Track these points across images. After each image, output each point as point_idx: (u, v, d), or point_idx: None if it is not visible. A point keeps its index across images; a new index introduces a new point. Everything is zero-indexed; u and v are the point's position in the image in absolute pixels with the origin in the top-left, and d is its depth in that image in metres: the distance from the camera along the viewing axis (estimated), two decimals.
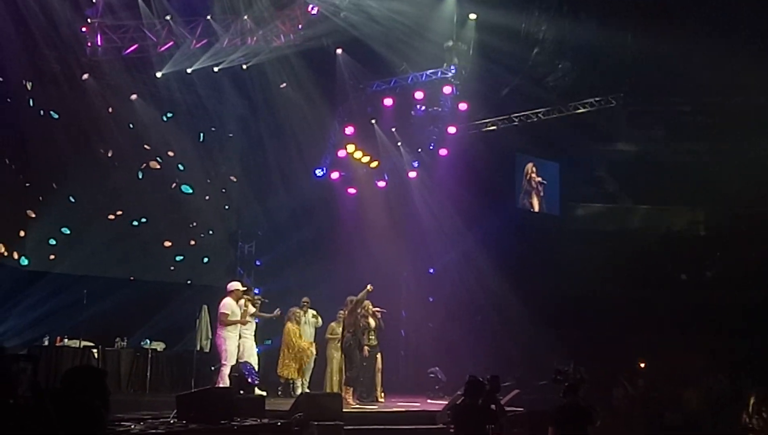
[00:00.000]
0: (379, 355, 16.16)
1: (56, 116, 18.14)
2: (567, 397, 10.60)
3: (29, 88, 17.73)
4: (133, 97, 18.76)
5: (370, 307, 16.13)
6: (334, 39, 18.03)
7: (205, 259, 20.20)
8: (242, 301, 15.01)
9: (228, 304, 14.64)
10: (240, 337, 14.94)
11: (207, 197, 20.32)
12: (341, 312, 15.78)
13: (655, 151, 18.97)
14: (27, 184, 17.90)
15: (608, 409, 16.52)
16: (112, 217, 18.77)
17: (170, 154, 19.63)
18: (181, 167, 19.85)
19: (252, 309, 15.32)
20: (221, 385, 13.90)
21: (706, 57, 16.10)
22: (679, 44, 15.91)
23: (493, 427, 10.17)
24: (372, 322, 16.08)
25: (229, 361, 14.33)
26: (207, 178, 20.34)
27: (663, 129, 18.74)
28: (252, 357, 15.09)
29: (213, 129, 20.21)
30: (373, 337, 16.01)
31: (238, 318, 14.66)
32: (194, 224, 20.01)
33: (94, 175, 18.60)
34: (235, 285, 15.17)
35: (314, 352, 16.58)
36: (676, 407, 16.63)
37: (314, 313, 16.72)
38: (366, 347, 15.74)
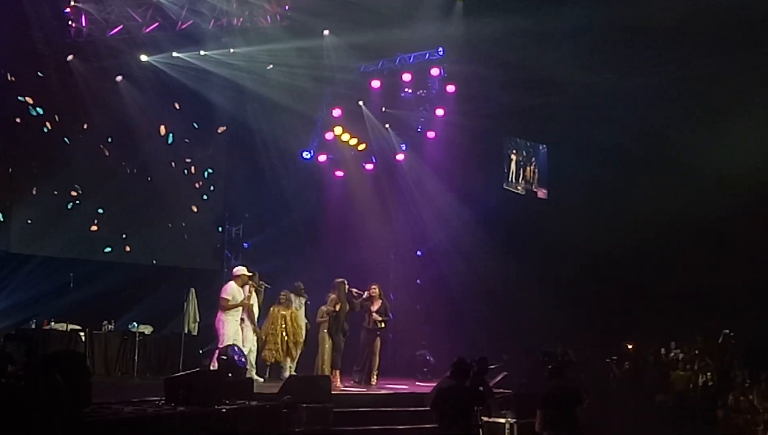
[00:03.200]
0: (378, 339, 16.18)
1: (41, 99, 17.99)
2: (552, 380, 10.62)
3: (12, 71, 17.58)
4: (119, 78, 18.61)
5: (376, 290, 16.25)
6: (322, 20, 17.90)
7: (192, 242, 20.10)
8: (247, 287, 15.03)
9: (230, 289, 14.66)
10: (243, 321, 15.02)
11: (193, 179, 20.23)
12: (332, 295, 15.78)
13: (645, 132, 18.96)
14: (13, 167, 17.76)
15: (600, 391, 16.55)
16: (99, 199, 18.66)
17: (157, 137, 19.48)
18: (167, 150, 19.72)
19: (254, 299, 15.33)
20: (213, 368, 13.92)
21: None
22: None
23: (481, 408, 10.19)
24: (375, 305, 16.16)
25: (225, 345, 14.34)
26: (194, 161, 20.22)
27: (657, 110, 18.73)
28: (251, 343, 15.17)
29: (199, 111, 20.04)
30: (379, 319, 16.07)
31: (238, 303, 14.68)
32: (181, 207, 19.89)
33: (80, 158, 18.48)
34: (240, 270, 15.17)
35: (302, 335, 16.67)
36: (664, 389, 16.67)
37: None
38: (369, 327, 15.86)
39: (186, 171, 20.06)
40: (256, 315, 15.53)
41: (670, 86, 18.22)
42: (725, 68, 17.35)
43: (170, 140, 19.80)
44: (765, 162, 17.32)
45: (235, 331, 14.62)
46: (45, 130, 18.01)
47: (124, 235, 18.93)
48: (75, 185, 18.34)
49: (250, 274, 15.28)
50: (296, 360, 16.54)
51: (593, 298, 19.22)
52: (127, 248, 18.87)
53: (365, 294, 16.11)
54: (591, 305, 19.10)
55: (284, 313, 16.35)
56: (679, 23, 16.34)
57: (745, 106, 17.69)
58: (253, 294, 15.39)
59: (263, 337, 16.12)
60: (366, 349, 16.01)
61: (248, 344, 15.28)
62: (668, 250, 18.84)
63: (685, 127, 18.27)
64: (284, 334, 16.26)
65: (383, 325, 16.15)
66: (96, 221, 18.52)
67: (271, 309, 16.32)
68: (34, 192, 17.81)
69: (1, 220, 17.49)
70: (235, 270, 15.27)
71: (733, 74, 17.38)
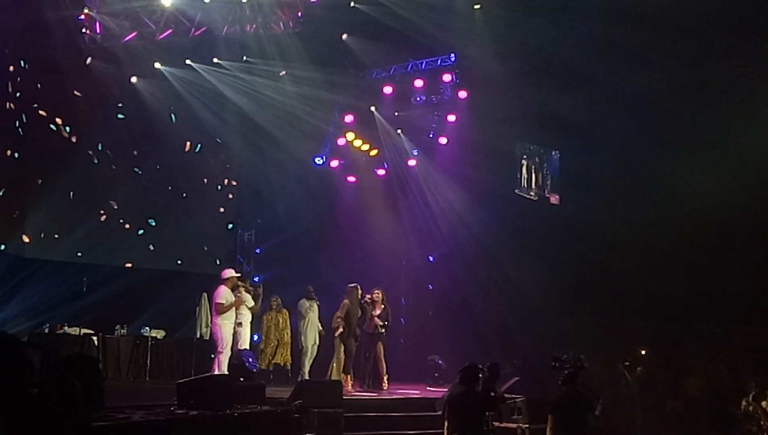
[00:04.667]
0: (380, 344, 16.18)
1: (53, 105, 18.11)
2: (565, 385, 10.61)
3: (28, 77, 17.70)
4: (134, 79, 18.63)
5: (379, 295, 16.28)
6: (334, 27, 17.96)
7: (205, 247, 20.16)
8: (238, 289, 15.11)
9: (222, 293, 14.71)
10: (241, 325, 15.11)
11: (207, 185, 20.30)
12: (345, 300, 15.87)
13: (657, 137, 18.96)
14: (27, 173, 17.88)
15: (612, 397, 16.51)
16: (112, 204, 18.75)
17: (171, 143, 19.54)
18: (181, 157, 19.78)
19: (251, 302, 15.43)
20: (217, 373, 13.99)
21: None
22: None
23: (492, 414, 10.19)
24: (377, 310, 16.18)
25: (225, 350, 14.42)
26: (206, 167, 20.28)
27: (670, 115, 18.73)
28: (246, 345, 15.27)
29: (212, 118, 20.06)
30: (380, 323, 16.09)
31: (232, 303, 14.77)
32: (194, 212, 19.95)
33: (94, 163, 18.57)
34: (229, 272, 15.21)
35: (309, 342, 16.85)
36: (676, 395, 16.63)
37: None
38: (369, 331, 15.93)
39: (198, 176, 20.10)
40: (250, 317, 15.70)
41: (681, 91, 18.20)
42: (736, 71, 17.35)
43: (198, 149, 19.89)
44: None
45: (231, 334, 14.70)
46: (58, 136, 18.08)
47: (136, 239, 18.99)
48: (88, 190, 18.40)
49: (239, 275, 15.37)
50: (311, 362, 16.76)
51: (605, 303, 19.18)
52: (140, 253, 18.92)
53: (368, 298, 16.16)
54: (603, 311, 19.05)
55: (276, 318, 16.68)
56: (687, 25, 16.34)
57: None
58: (249, 296, 15.54)
59: (262, 343, 16.50)
60: (369, 354, 16.03)
61: (244, 346, 15.39)
62: (681, 256, 18.77)
63: (697, 131, 18.22)
64: (277, 338, 16.59)
65: (383, 330, 16.15)
66: (109, 226, 18.57)
67: (264, 316, 16.64)
68: (47, 197, 17.89)
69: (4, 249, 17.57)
70: (223, 273, 15.27)
71: (743, 76, 17.38)
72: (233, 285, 14.97)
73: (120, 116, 18.78)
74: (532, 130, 20.93)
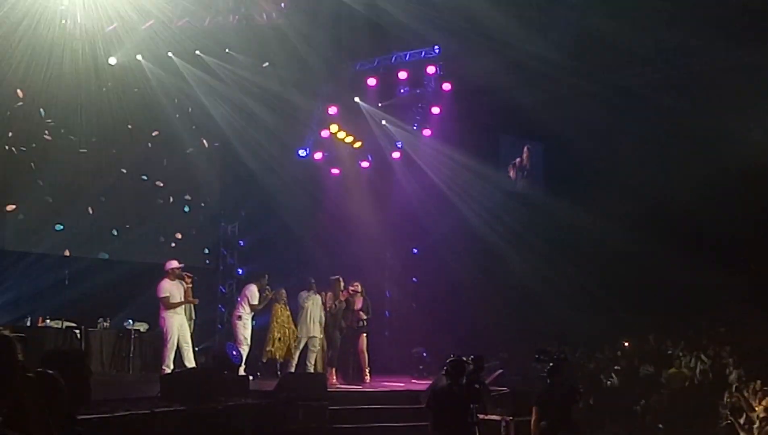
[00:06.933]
0: (363, 337, 16.19)
1: (32, 92, 17.92)
2: (550, 378, 10.65)
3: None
4: (112, 61, 18.36)
5: (359, 287, 16.29)
6: (318, 17, 17.85)
7: (188, 240, 20.03)
8: (183, 281, 15.06)
9: (164, 288, 14.69)
10: (240, 318, 15.17)
11: (189, 176, 20.16)
12: (329, 293, 15.90)
13: (639, 133, 19.01)
14: (6, 163, 17.70)
15: (595, 389, 16.58)
16: (94, 197, 18.57)
17: (153, 134, 19.38)
18: (161, 147, 19.62)
19: (255, 300, 15.51)
20: (165, 369, 13.96)
21: None
22: None
23: (477, 406, 10.20)
24: (358, 303, 16.19)
25: (171, 341, 14.40)
26: (189, 159, 20.13)
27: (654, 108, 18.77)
28: (244, 339, 15.31)
29: (194, 110, 19.89)
30: (363, 317, 16.12)
31: (178, 299, 14.65)
32: (176, 204, 19.82)
33: (75, 155, 18.39)
34: (172, 264, 15.16)
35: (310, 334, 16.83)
36: (660, 387, 16.67)
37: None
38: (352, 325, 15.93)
39: (181, 167, 19.96)
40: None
41: (665, 84, 18.25)
42: (723, 64, 17.39)
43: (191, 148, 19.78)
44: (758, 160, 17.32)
45: (180, 324, 14.69)
46: (39, 126, 17.88)
47: (118, 233, 18.83)
48: (69, 181, 18.23)
49: (181, 265, 15.26)
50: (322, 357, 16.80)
51: (589, 296, 19.22)
52: (123, 245, 18.77)
53: (350, 290, 16.18)
54: (586, 303, 19.10)
55: (286, 311, 16.58)
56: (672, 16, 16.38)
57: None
58: (256, 299, 15.56)
59: (273, 335, 16.39)
60: (351, 348, 16.05)
61: (241, 340, 15.38)
62: (664, 249, 18.83)
63: (681, 124, 18.27)
64: (287, 332, 16.54)
65: (366, 323, 16.20)
66: (90, 218, 18.40)
67: (277, 306, 16.58)
68: (28, 188, 17.71)
69: None
70: (167, 265, 15.23)
71: (730, 70, 17.42)
72: (176, 277, 14.92)
73: (102, 107, 18.56)
74: (517, 122, 20.94)
